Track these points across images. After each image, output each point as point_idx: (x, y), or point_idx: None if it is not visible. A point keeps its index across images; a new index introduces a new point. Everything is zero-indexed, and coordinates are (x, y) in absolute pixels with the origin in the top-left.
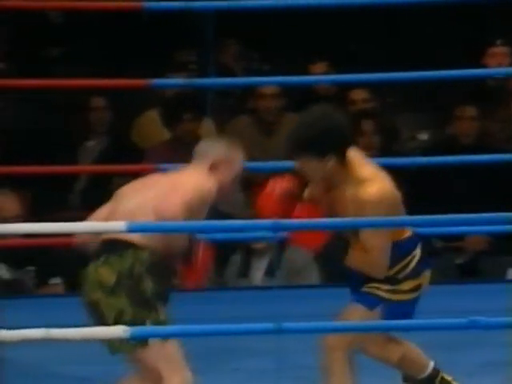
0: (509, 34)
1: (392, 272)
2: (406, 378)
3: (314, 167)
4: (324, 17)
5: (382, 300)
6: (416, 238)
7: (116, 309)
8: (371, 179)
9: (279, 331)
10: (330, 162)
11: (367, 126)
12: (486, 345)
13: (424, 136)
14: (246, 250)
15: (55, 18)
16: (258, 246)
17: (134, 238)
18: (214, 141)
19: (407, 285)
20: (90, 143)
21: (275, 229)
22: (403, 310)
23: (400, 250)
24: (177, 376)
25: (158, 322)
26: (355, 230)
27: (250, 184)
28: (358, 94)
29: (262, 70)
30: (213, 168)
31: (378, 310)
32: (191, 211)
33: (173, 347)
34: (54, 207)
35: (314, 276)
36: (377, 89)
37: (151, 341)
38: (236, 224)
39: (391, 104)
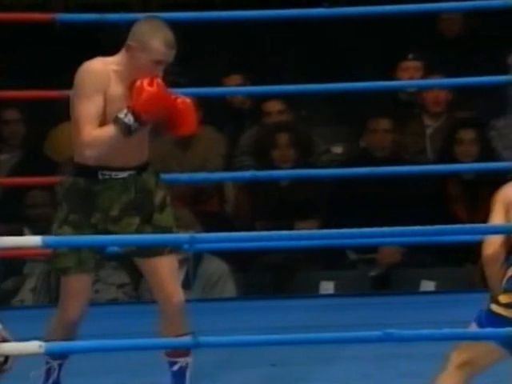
0: (420, 49)
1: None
2: None
3: None
4: (240, 29)
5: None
6: None
7: None
8: None
9: (197, 345)
10: None
11: (282, 138)
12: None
13: (338, 149)
14: None
15: None
16: None
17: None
18: (143, 23)
19: (503, 298)
20: (4, 156)
21: (192, 242)
22: (497, 325)
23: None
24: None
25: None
26: None
27: (196, 200)
28: (274, 106)
29: (178, 83)
30: (128, 49)
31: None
32: None
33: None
34: None
35: (229, 289)
36: (291, 101)
37: None
38: (152, 238)
39: (306, 117)
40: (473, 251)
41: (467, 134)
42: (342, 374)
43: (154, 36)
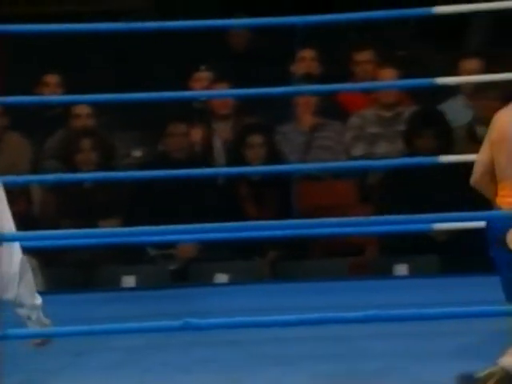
0: (212, 61)
1: None
2: None
3: None
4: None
5: None
6: None
7: None
8: None
9: (5, 337)
10: None
11: (86, 143)
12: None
13: (138, 153)
14: None
15: None
16: None
17: None
18: None
19: None
20: None
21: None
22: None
23: None
24: None
25: None
26: None
27: None
28: (82, 109)
29: None
30: None
31: None
32: None
33: None
34: None
35: (38, 283)
36: (96, 106)
37: None
38: None
39: (108, 122)
40: (261, 246)
41: (255, 139)
42: (141, 361)
43: None
